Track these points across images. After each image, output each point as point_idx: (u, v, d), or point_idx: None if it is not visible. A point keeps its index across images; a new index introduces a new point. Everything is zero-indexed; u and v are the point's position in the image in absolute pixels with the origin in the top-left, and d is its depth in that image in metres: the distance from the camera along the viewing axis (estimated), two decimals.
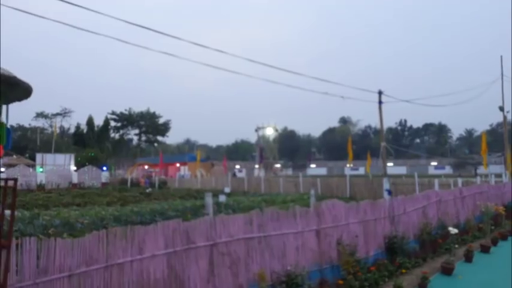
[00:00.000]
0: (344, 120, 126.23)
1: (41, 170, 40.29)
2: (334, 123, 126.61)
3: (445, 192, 13.08)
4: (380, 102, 21.00)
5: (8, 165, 39.81)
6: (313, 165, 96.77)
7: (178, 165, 62.16)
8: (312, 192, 7.59)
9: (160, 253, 4.88)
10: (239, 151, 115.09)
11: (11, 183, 3.01)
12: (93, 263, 4.28)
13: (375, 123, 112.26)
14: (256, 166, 66.51)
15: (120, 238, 4.52)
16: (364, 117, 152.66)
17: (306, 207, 7.79)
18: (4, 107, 5.15)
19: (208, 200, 5.94)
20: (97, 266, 4.30)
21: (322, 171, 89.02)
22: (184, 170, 57.94)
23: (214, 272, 5.43)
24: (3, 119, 5.00)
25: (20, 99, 5.12)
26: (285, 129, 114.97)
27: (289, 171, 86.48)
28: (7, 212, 3.07)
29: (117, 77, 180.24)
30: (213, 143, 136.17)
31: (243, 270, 5.79)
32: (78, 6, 7.91)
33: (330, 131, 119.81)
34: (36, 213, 13.63)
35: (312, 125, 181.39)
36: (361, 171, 68.91)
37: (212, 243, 5.47)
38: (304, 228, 6.94)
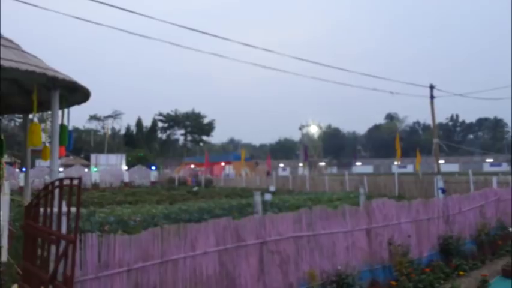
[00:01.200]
0: (390, 117, 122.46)
1: (95, 169, 42.43)
2: (380, 119, 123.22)
3: (504, 191, 12.31)
4: (432, 97, 20.13)
5: (66, 165, 42.31)
6: (358, 163, 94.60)
7: (223, 164, 63.10)
8: (361, 190, 7.44)
9: (211, 250, 4.98)
10: (283, 150, 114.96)
11: (75, 182, 3.20)
12: (149, 258, 4.44)
13: (423, 119, 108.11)
14: (300, 164, 66.21)
15: (173, 235, 4.66)
16: (412, 113, 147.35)
17: (354, 206, 7.63)
18: (66, 110, 5.46)
19: (257, 198, 5.99)
20: (153, 261, 4.46)
21: (368, 169, 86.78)
22: (229, 169, 58.73)
23: (264, 270, 5.46)
24: (65, 122, 5.31)
25: (79, 103, 5.40)
26: (329, 126, 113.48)
27: (334, 170, 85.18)
28: (72, 209, 3.27)
29: (163, 79, 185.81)
30: (257, 141, 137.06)
31: (293, 269, 5.78)
32: (129, 11, 8.25)
33: (376, 128, 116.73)
34: (92, 210, 14.37)
35: (357, 122, 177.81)
36: (410, 169, 66.42)
37: (262, 241, 5.50)
38: (354, 228, 6.80)
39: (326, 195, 23.56)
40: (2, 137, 7.00)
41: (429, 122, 21.77)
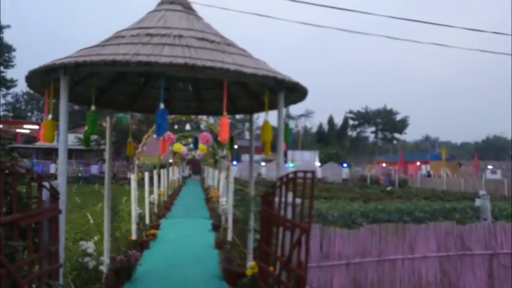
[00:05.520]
0: None
1: (291, 165, 45.62)
2: None
3: None
4: None
5: (267, 160, 46.84)
6: None
7: (418, 163, 58.59)
8: None
9: (432, 255, 4.65)
10: (492, 149, 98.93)
11: (309, 175, 3.45)
12: (367, 255, 4.45)
13: None
14: None
15: (392, 235, 4.54)
16: None
17: None
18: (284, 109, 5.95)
19: (485, 203, 5.28)
20: (370, 258, 4.45)
21: None
22: (426, 169, 54.10)
23: (494, 286, 4.78)
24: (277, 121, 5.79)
25: (295, 102, 5.83)
26: None
27: None
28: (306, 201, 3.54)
29: (355, 76, 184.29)
30: (457, 140, 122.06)
31: None
32: (350, 10, 8.42)
33: None
34: None
35: None
36: None
37: (491, 252, 4.83)
38: None
39: None
40: (232, 135, 8.21)
41: None
